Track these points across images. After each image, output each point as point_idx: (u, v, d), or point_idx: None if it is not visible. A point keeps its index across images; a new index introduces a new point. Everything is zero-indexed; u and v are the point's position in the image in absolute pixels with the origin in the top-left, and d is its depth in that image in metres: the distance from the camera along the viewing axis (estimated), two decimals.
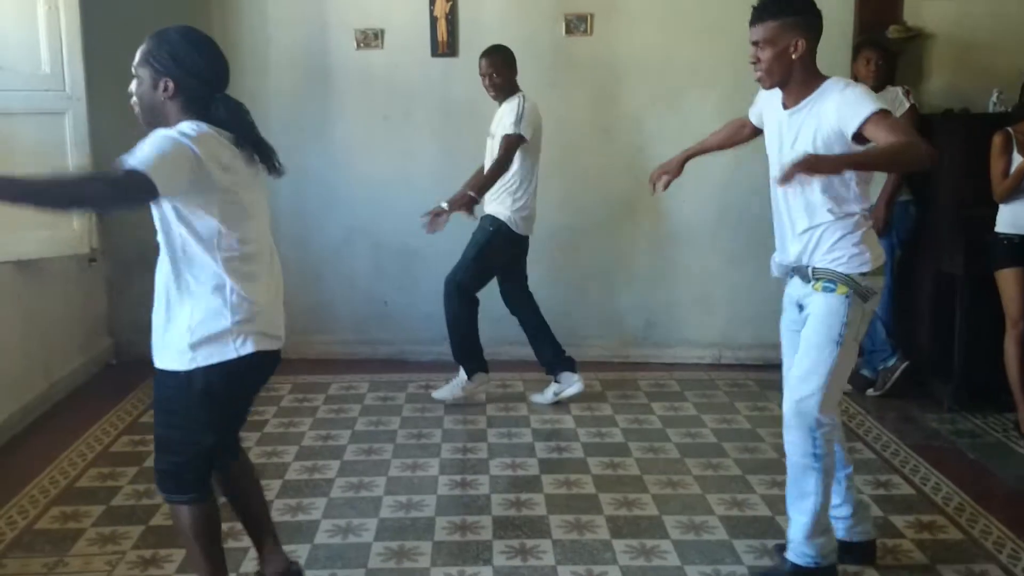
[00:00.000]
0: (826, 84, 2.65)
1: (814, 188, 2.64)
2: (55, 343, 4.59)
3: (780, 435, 4.11)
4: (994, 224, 4.14)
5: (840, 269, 2.67)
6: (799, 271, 2.79)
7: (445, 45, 5.07)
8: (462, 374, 4.53)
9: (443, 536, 3.23)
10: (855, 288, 2.66)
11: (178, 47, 2.32)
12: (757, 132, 3.06)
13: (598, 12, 5.05)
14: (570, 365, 4.57)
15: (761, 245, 5.15)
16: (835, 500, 2.91)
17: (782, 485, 3.60)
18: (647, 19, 5.05)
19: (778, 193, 2.75)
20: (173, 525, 2.63)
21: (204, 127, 2.27)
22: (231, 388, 2.44)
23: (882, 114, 2.51)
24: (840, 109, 2.56)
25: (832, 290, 2.67)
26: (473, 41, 4.80)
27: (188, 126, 2.24)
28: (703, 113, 5.11)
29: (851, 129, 2.52)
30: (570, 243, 5.21)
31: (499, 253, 4.40)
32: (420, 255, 5.23)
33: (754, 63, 2.71)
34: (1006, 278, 4.10)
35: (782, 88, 2.72)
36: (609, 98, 5.13)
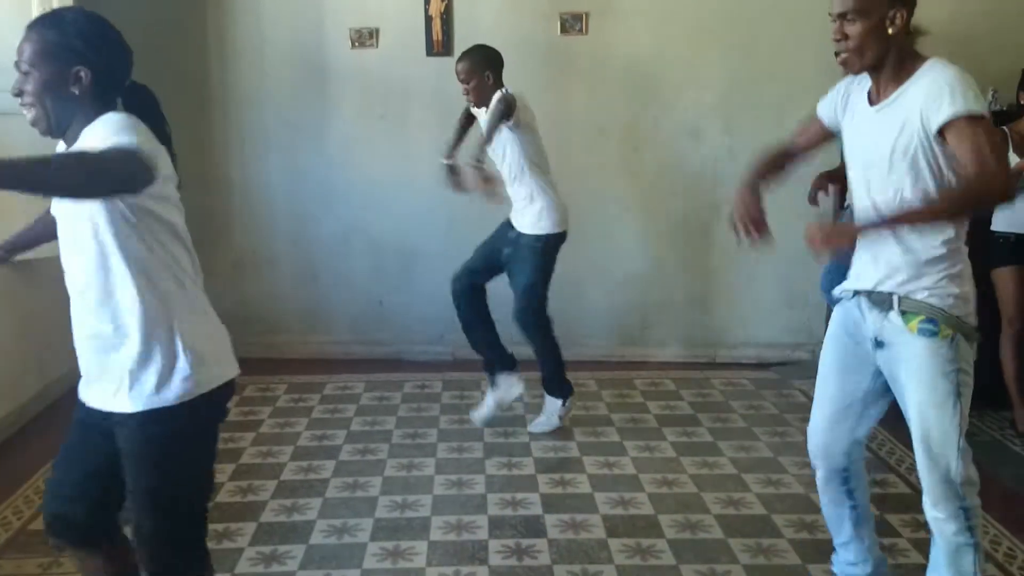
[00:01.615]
0: (924, 66, 2.18)
1: (912, 189, 2.19)
2: (50, 343, 4.57)
3: (775, 434, 4.17)
4: (990, 223, 4.14)
5: (943, 305, 2.22)
6: (876, 299, 2.32)
7: (440, 44, 5.06)
8: (553, 401, 4.18)
9: (439, 536, 3.22)
10: (961, 329, 2.23)
11: (86, 29, 1.93)
12: (828, 136, 2.52)
13: (593, 11, 5.05)
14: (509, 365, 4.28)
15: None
16: (850, 557, 2.66)
17: (777, 484, 3.63)
18: (642, 18, 5.04)
19: (866, 201, 2.30)
20: None
21: (135, 119, 1.92)
22: None
23: (967, 121, 2.06)
24: (926, 100, 2.12)
25: (934, 333, 2.22)
26: (468, 40, 4.78)
27: (120, 117, 1.90)
28: (699, 112, 5.13)
29: (933, 128, 2.11)
30: (565, 241, 5.20)
31: (553, 259, 4.11)
32: (417, 255, 5.23)
33: (838, 40, 2.20)
34: (1002, 277, 4.10)
35: (873, 73, 2.25)
36: (604, 97, 5.12)
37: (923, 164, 2.17)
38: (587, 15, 5.05)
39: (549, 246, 4.05)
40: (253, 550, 3.12)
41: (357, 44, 5.12)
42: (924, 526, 3.24)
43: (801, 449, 3.80)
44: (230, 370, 2.11)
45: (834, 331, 2.52)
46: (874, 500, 3.46)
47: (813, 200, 4.12)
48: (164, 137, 1.99)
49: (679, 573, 2.98)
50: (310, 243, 5.32)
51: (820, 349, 2.64)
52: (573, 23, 5.06)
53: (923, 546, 3.11)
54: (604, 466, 3.83)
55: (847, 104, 2.39)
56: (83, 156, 1.78)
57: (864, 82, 2.32)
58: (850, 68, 2.26)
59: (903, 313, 2.25)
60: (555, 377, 4.16)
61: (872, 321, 2.35)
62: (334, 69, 5.18)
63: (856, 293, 2.39)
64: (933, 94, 2.11)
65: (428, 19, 5.06)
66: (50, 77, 1.88)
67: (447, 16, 5.05)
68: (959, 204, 2.13)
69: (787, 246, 5.08)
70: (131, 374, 1.94)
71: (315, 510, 3.43)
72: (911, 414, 2.31)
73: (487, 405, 4.28)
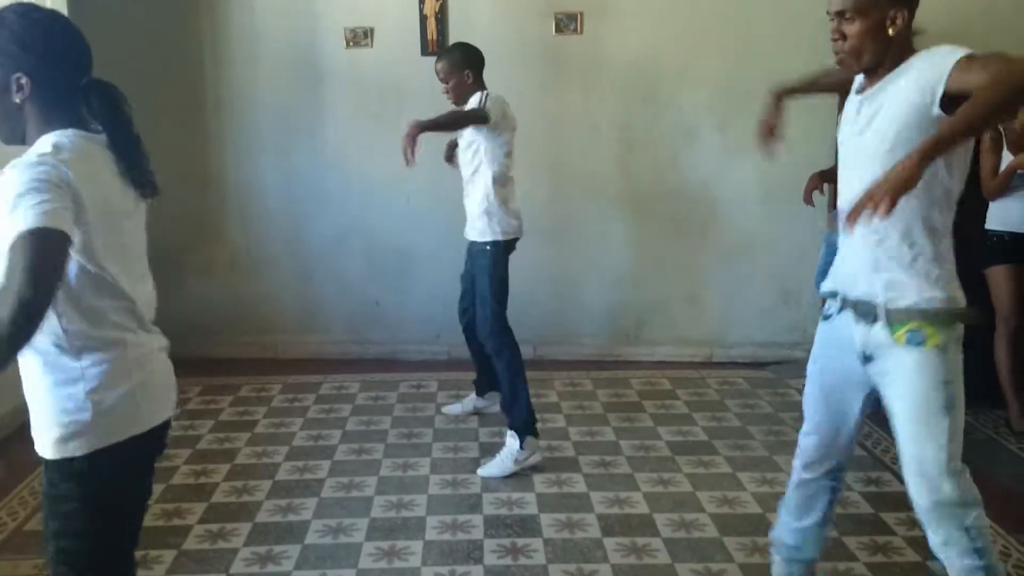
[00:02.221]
0: (913, 56, 2.08)
1: (919, 196, 2.02)
2: None
3: (771, 432, 4.17)
4: (984, 221, 4.15)
5: (930, 307, 2.10)
6: (862, 309, 2.19)
7: (435, 44, 5.05)
8: (511, 442, 3.77)
9: (434, 535, 3.22)
10: (952, 320, 2.11)
11: (21, 31, 1.71)
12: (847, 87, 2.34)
13: (588, 11, 5.05)
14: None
15: (752, 243, 5.21)
16: (799, 541, 2.48)
17: (772, 483, 3.63)
18: (637, 18, 5.04)
19: (845, 196, 2.19)
20: None
21: (76, 138, 1.73)
22: None
23: (969, 59, 1.92)
24: (921, 75, 2.01)
25: (921, 343, 2.10)
26: (463, 39, 4.79)
27: (54, 139, 1.71)
28: (693, 112, 5.13)
29: (938, 93, 1.95)
30: (560, 241, 5.21)
31: (505, 267, 3.91)
32: (412, 255, 5.23)
33: (836, 39, 2.10)
34: (997, 275, 4.11)
35: (869, 74, 2.16)
36: (599, 96, 5.12)
37: (908, 143, 1.99)
38: (582, 15, 5.05)
39: (499, 253, 3.84)
40: (248, 550, 3.12)
41: (352, 43, 5.12)
42: (919, 524, 3.26)
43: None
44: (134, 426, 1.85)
45: (818, 353, 2.38)
46: (869, 498, 3.48)
47: (808, 200, 4.12)
48: (128, 140, 1.81)
49: (674, 572, 2.98)
50: (305, 243, 5.32)
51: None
52: (568, 23, 5.06)
53: (918, 544, 3.13)
54: (599, 465, 3.83)
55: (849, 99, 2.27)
56: (14, 303, 1.51)
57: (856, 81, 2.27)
58: (847, 69, 2.19)
59: (889, 324, 2.13)
60: (515, 405, 3.81)
61: (859, 335, 2.21)
62: (329, 68, 5.17)
63: (842, 305, 2.26)
64: (930, 63, 2.00)
65: (423, 18, 5.06)
66: None
67: (442, 15, 5.05)
68: (988, 96, 1.84)
69: (782, 245, 5.16)
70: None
71: (310, 510, 3.43)
72: (900, 432, 2.19)
73: (464, 405, 4.38)
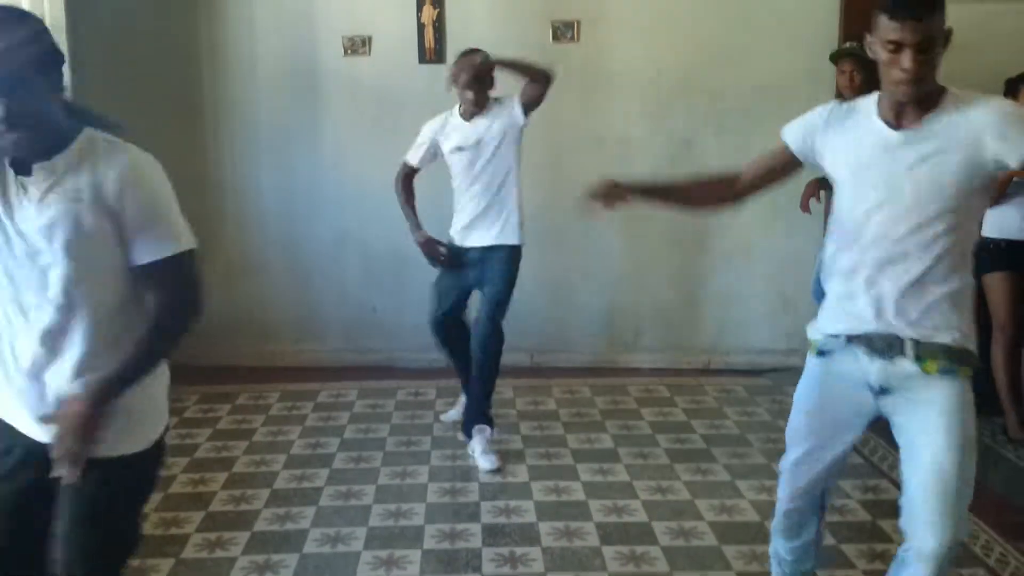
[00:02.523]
0: (949, 95, 2.07)
1: (947, 221, 2.03)
2: None
3: (769, 440, 4.17)
4: (981, 228, 4.16)
5: (956, 343, 2.07)
6: (879, 344, 2.12)
7: (432, 52, 5.07)
8: (486, 430, 3.98)
9: (432, 544, 3.22)
10: (973, 363, 2.10)
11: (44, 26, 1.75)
12: (786, 168, 2.33)
13: (585, 19, 5.06)
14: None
15: (749, 250, 5.22)
16: (800, 556, 2.49)
17: (771, 490, 3.61)
18: (634, 26, 5.06)
19: (872, 231, 2.09)
20: None
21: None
22: None
23: None
24: (998, 132, 2.00)
25: (954, 373, 2.07)
26: (460, 48, 4.77)
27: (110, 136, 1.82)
28: (690, 120, 5.14)
29: (1014, 161, 1.98)
30: (558, 248, 5.21)
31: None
32: (410, 262, 5.19)
33: (906, 70, 1.98)
34: (993, 282, 4.12)
35: (901, 109, 2.07)
36: (597, 104, 5.13)
37: (965, 191, 2.03)
38: (579, 23, 5.06)
39: (519, 256, 4.05)
40: (246, 559, 3.12)
41: (350, 51, 5.13)
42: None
43: None
44: None
45: (812, 387, 2.31)
46: (866, 506, 3.49)
47: (805, 207, 4.13)
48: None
49: None
50: (302, 250, 5.32)
51: None
52: (565, 31, 5.08)
53: None
54: (598, 473, 3.83)
55: (837, 129, 2.18)
56: (187, 312, 1.87)
57: (856, 108, 2.18)
58: (910, 96, 2.03)
59: (917, 357, 2.07)
60: (488, 399, 4.04)
61: (876, 369, 2.13)
62: (326, 76, 5.18)
63: (849, 339, 2.16)
64: (1011, 124, 2.00)
65: (420, 27, 5.07)
66: (38, 91, 1.71)
67: (439, 24, 5.06)
68: None
69: (779, 251, 5.16)
70: None
71: (308, 519, 3.42)
72: (927, 462, 2.08)
73: (459, 410, 4.35)
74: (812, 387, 2.31)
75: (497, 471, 3.82)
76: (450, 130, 4.02)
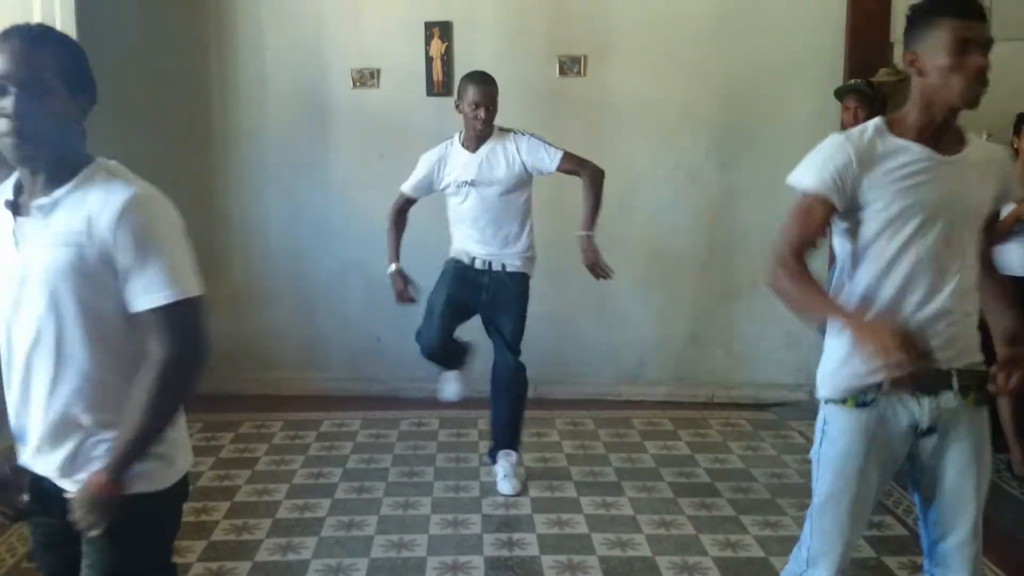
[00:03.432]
0: (969, 134, 2.10)
1: (976, 246, 2.07)
2: None
3: (773, 475, 4.16)
4: None
5: (981, 366, 2.05)
6: (933, 380, 1.99)
7: (440, 85, 5.12)
8: (513, 455, 4.01)
9: None
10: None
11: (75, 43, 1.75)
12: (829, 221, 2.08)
13: (591, 53, 5.11)
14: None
15: (754, 283, 5.21)
16: None
17: (775, 526, 3.62)
18: (640, 60, 5.11)
19: (940, 254, 2.00)
20: None
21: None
22: None
23: None
24: (1005, 174, 2.11)
25: (985, 403, 2.06)
26: None
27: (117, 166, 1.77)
28: (695, 153, 5.17)
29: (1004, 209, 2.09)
30: (562, 280, 5.22)
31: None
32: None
33: (981, 67, 1.95)
34: None
35: (928, 128, 2.02)
36: (602, 138, 5.16)
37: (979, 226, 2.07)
38: (585, 57, 5.11)
39: (528, 287, 4.07)
40: None
41: (358, 84, 5.18)
42: (920, 568, 3.24)
43: (799, 490, 3.82)
44: None
45: (856, 449, 2.06)
46: (871, 542, 3.46)
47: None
48: None
49: None
50: (308, 280, 5.34)
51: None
52: (571, 65, 5.13)
53: None
54: (601, 506, 3.82)
55: (873, 160, 1.98)
56: (195, 364, 1.74)
57: (880, 138, 2.01)
58: (976, 101, 1.98)
59: (961, 388, 2.01)
60: (518, 429, 4.06)
61: (924, 408, 2.02)
62: (335, 108, 5.23)
63: (894, 382, 1.97)
64: (1009, 173, 2.10)
65: (428, 60, 5.13)
66: (61, 98, 1.67)
67: (447, 57, 5.11)
68: None
69: None
70: None
71: (310, 549, 3.41)
72: (968, 496, 2.06)
73: (458, 382, 4.31)
74: (859, 442, 2.06)
75: (518, 495, 3.87)
76: (453, 162, 3.92)
